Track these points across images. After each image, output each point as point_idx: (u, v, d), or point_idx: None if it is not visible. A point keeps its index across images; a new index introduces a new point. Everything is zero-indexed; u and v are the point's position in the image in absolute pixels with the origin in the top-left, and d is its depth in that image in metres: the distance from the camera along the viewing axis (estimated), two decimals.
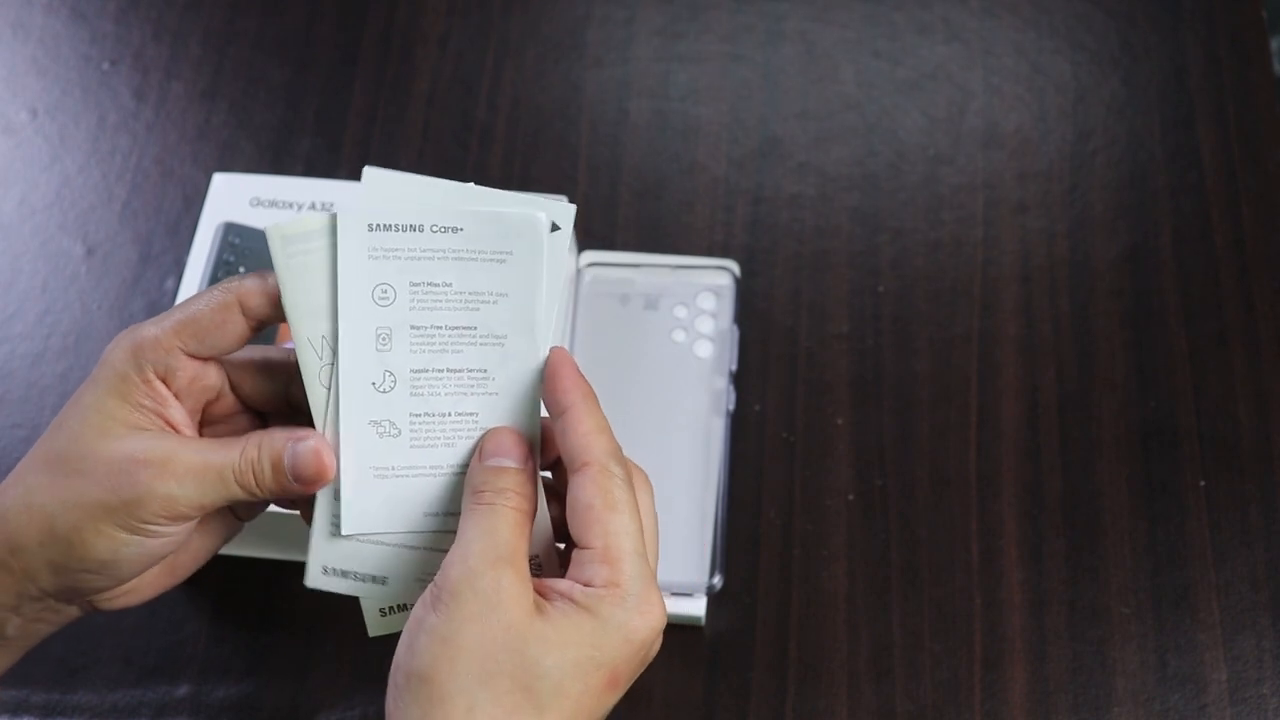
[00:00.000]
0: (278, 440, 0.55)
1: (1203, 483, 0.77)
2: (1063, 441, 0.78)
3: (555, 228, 0.55)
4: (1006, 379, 0.80)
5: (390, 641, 0.74)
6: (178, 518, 0.55)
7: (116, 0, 0.93)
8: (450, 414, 0.56)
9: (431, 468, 0.56)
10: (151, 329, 0.56)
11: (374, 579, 0.58)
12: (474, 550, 0.52)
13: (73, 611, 0.59)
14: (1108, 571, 0.75)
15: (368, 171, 0.54)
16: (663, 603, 0.54)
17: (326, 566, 0.58)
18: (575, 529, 0.54)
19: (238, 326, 0.56)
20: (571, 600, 0.52)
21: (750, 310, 0.82)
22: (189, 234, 0.81)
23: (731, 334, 0.79)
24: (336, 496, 0.57)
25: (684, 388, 0.78)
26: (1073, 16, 0.91)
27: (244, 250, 0.78)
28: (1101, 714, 0.71)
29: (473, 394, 0.56)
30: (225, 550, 0.75)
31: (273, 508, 0.71)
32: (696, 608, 0.73)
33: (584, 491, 0.53)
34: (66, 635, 0.74)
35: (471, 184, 0.55)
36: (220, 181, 0.81)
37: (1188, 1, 0.91)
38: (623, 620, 0.52)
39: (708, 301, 0.81)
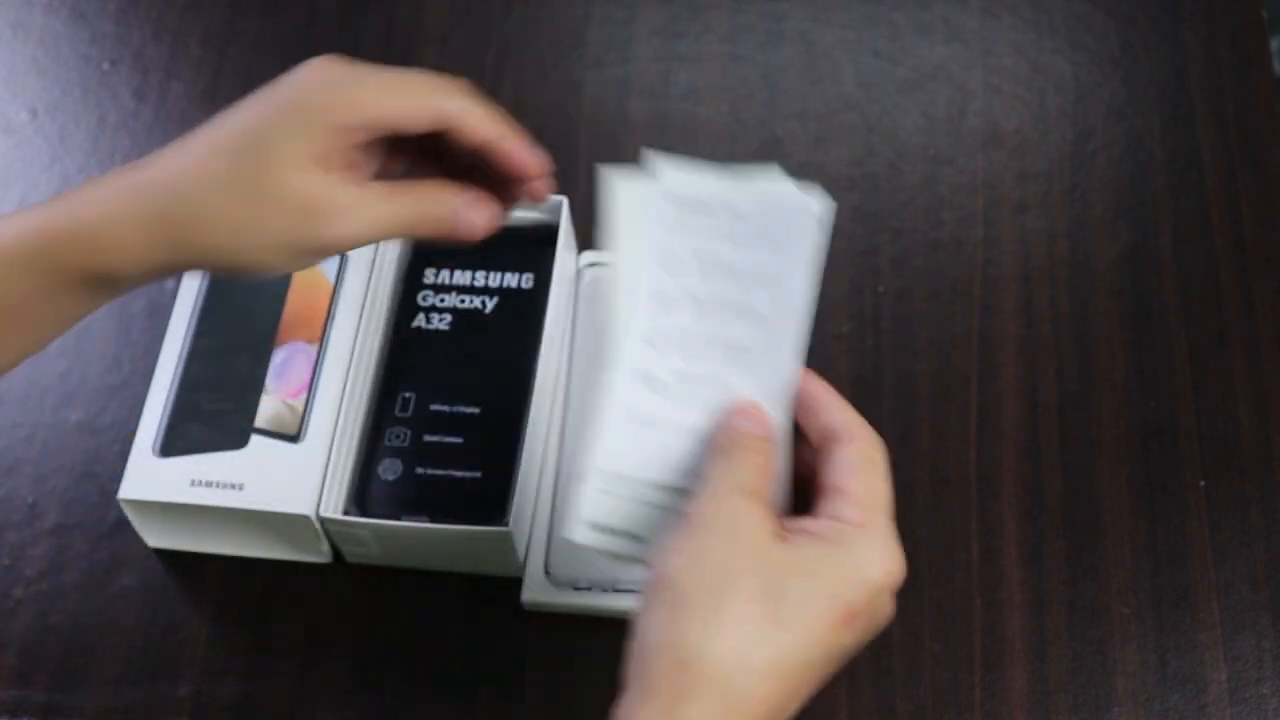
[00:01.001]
0: (459, 208, 0.60)
1: (1203, 483, 0.77)
2: (1063, 441, 0.78)
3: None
4: (1006, 379, 0.80)
5: (387, 646, 0.74)
6: (345, 249, 0.60)
7: (116, 0, 0.93)
8: (712, 378, 0.58)
9: (689, 427, 0.58)
10: (352, 111, 0.58)
11: (634, 536, 0.59)
12: (720, 484, 0.55)
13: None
14: (1108, 571, 0.75)
15: (652, 157, 0.59)
16: (903, 563, 0.55)
17: (594, 522, 0.59)
18: (837, 478, 0.56)
19: (431, 129, 0.59)
20: (815, 534, 0.54)
21: None
22: None
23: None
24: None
25: None
26: (1073, 16, 0.91)
27: None
28: (1101, 714, 0.71)
29: (734, 364, 0.58)
30: (224, 550, 0.75)
31: (269, 508, 0.71)
32: None
33: (853, 453, 0.56)
34: (66, 636, 0.74)
35: (746, 172, 0.60)
36: None
37: (1188, 2, 0.91)
38: (863, 556, 0.54)
39: None
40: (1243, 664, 0.72)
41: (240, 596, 0.75)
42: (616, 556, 0.59)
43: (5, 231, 0.58)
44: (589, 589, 0.72)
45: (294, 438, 0.73)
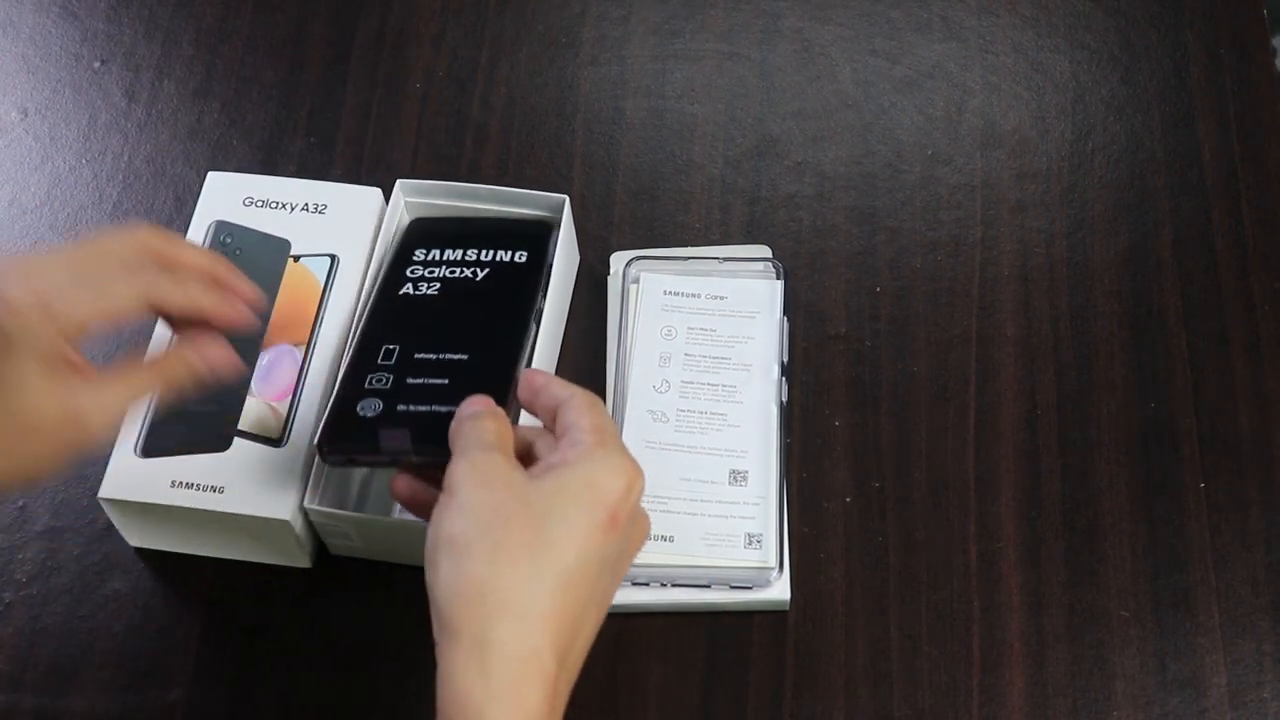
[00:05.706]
0: (193, 359, 0.66)
1: (1203, 484, 0.76)
2: (1061, 443, 0.78)
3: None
4: (1005, 380, 0.79)
5: (378, 648, 0.74)
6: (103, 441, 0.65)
7: None
8: (707, 413, 0.76)
9: (689, 447, 0.75)
10: (66, 310, 0.61)
11: (665, 538, 0.73)
12: (466, 445, 0.60)
13: None
14: (1107, 574, 0.74)
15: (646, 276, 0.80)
16: (642, 473, 0.60)
17: None
18: (567, 420, 0.61)
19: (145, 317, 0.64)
20: (561, 464, 0.59)
21: None
22: (181, 234, 0.80)
23: (782, 326, 0.78)
24: None
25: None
26: (1072, 14, 0.91)
27: (236, 249, 0.77)
28: (1100, 718, 0.71)
29: (724, 401, 0.76)
30: (205, 552, 0.75)
31: (248, 512, 0.71)
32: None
33: (578, 400, 0.62)
34: (56, 640, 0.74)
35: (718, 254, 0.81)
36: (214, 180, 0.80)
37: None
38: (607, 466, 0.59)
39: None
40: (1243, 668, 0.72)
41: (232, 599, 0.75)
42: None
43: None
44: None
45: (277, 441, 0.72)
